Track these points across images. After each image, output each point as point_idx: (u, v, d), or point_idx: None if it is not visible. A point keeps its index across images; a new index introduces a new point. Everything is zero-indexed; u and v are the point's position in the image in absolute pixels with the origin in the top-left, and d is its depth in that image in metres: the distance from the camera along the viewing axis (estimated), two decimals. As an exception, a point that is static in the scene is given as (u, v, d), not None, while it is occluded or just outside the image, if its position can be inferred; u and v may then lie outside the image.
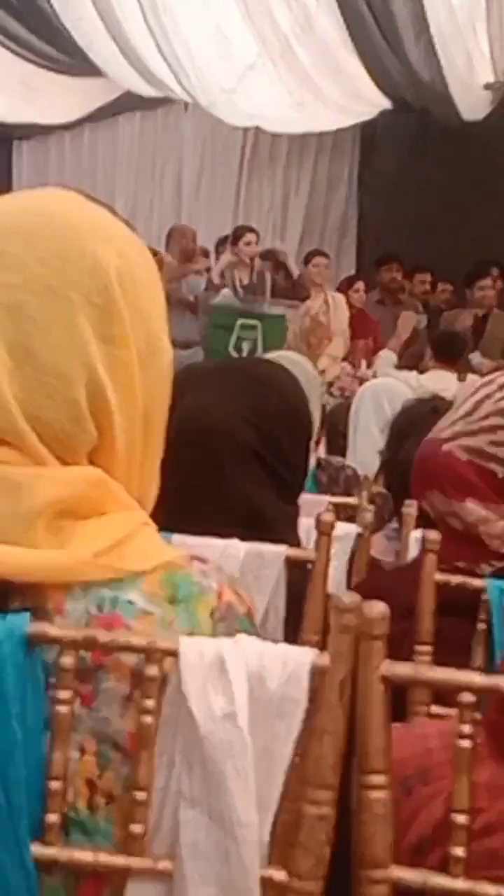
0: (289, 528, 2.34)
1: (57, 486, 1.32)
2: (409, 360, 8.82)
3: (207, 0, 11.09)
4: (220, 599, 1.36)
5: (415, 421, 3.25)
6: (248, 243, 10.06)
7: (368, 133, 13.02)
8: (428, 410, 3.25)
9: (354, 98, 11.63)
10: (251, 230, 10.45)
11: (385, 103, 11.67)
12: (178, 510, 1.80)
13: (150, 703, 1.27)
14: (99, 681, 1.31)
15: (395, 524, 3.13)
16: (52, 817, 1.28)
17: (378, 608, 1.30)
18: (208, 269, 10.58)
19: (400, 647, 1.81)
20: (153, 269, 1.45)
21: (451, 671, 1.32)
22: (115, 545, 1.33)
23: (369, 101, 11.65)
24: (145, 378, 1.39)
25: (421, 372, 7.97)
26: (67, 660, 1.27)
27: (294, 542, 2.29)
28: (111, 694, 1.30)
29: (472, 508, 2.02)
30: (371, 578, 2.81)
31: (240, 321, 9.31)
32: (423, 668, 1.34)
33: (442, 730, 1.38)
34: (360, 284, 10.89)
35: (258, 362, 2.92)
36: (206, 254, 10.94)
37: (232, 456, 2.26)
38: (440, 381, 7.29)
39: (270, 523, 2.25)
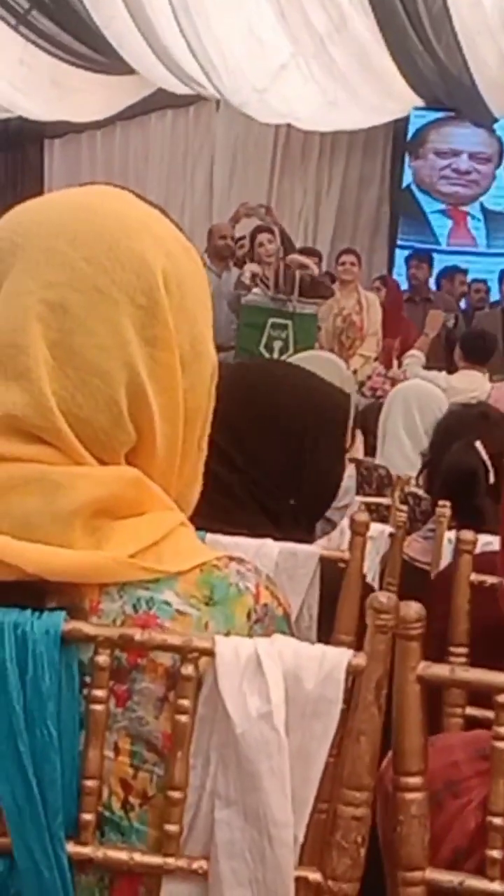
0: None
1: (95, 486, 1.31)
2: (437, 360, 8.79)
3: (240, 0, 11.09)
4: (257, 601, 1.35)
5: (462, 424, 3.24)
6: (261, 244, 9.91)
7: (401, 131, 12.99)
8: (476, 415, 3.26)
9: (387, 96, 11.62)
10: (264, 230, 10.32)
11: (417, 101, 11.67)
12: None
13: (185, 702, 1.27)
14: (134, 681, 1.30)
15: (432, 525, 3.13)
16: (87, 816, 1.28)
17: (414, 608, 1.29)
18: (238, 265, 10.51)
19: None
20: (201, 272, 1.44)
21: (488, 673, 1.31)
22: (152, 546, 1.33)
23: (401, 99, 11.65)
24: (187, 381, 1.38)
25: (450, 372, 7.95)
26: (102, 658, 1.27)
27: None
28: (146, 694, 1.30)
29: None
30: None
31: (270, 320, 9.28)
32: (459, 670, 1.33)
33: (466, 741, 1.38)
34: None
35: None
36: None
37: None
38: (470, 382, 7.28)
39: None
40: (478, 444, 3.03)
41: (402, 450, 5.17)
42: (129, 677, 1.31)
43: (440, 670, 1.30)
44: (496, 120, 11.89)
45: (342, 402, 2.56)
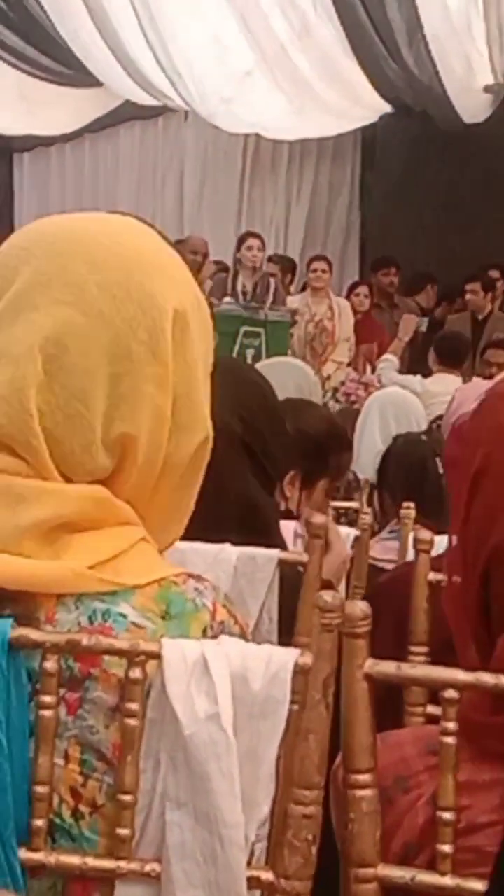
0: (276, 520, 2.38)
1: (59, 504, 1.32)
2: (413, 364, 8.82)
3: (204, 9, 11.09)
4: (214, 618, 1.36)
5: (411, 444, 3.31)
6: (250, 248, 9.93)
7: (370, 138, 13.00)
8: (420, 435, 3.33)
9: (354, 103, 11.62)
10: (254, 235, 10.36)
11: (385, 107, 11.67)
12: None
13: (134, 706, 1.28)
14: (86, 690, 1.31)
15: (391, 527, 3.15)
16: (39, 822, 1.28)
17: (360, 607, 1.30)
18: (212, 276, 10.51)
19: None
20: (207, 327, 1.44)
21: (435, 668, 1.32)
22: (111, 559, 1.33)
23: (370, 106, 11.66)
24: (176, 430, 1.38)
25: (425, 376, 7.96)
26: (51, 664, 1.28)
27: (278, 534, 2.32)
28: (98, 704, 1.31)
29: None
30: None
31: (243, 328, 9.28)
32: (405, 667, 1.34)
33: (417, 736, 1.38)
34: (362, 289, 10.86)
35: (232, 361, 2.94)
36: (224, 269, 10.70)
37: (224, 445, 2.27)
38: (445, 385, 7.29)
39: (265, 520, 2.28)
40: (424, 437, 3.08)
41: (378, 456, 5.20)
42: (82, 686, 1.31)
43: (387, 668, 1.31)
44: (466, 125, 11.90)
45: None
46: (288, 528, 2.45)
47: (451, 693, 1.28)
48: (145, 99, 12.91)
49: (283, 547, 2.24)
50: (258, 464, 2.34)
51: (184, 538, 1.53)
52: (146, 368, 1.35)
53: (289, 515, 2.57)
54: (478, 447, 1.32)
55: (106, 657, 1.30)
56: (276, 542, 2.25)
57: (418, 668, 1.34)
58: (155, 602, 1.34)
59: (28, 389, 1.32)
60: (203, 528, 2.05)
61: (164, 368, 1.36)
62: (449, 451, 2.45)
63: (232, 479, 2.29)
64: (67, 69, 13.19)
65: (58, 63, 13.22)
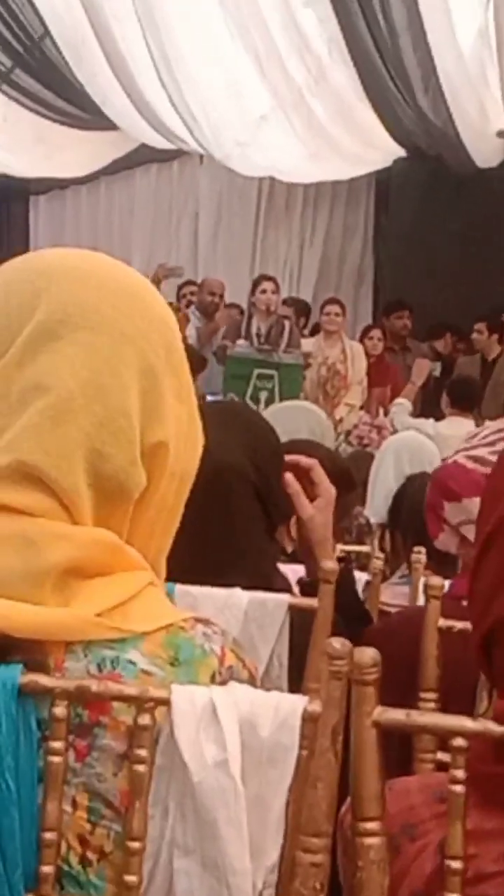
0: (274, 566, 2.42)
1: (70, 548, 1.33)
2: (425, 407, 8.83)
3: (220, 53, 11.17)
4: (222, 663, 1.36)
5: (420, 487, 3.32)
6: (264, 291, 9.93)
7: (384, 181, 13.05)
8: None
9: (369, 147, 11.68)
10: (268, 279, 10.38)
11: (399, 152, 11.72)
12: (195, 567, 1.81)
13: (142, 752, 1.28)
14: (95, 737, 1.31)
15: (402, 571, 3.14)
16: (47, 868, 1.28)
17: (369, 654, 1.30)
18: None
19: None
20: None
21: (443, 716, 1.31)
22: (119, 605, 1.34)
23: (384, 150, 11.71)
24: (190, 437, 1.44)
25: (438, 419, 7.98)
26: (60, 710, 1.28)
27: (277, 579, 2.33)
28: (106, 751, 1.31)
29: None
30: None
31: (256, 371, 9.30)
32: (414, 714, 1.33)
33: (424, 784, 1.38)
34: (375, 332, 10.87)
35: (241, 405, 2.99)
36: (240, 311, 10.69)
37: (239, 489, 2.29)
38: (457, 428, 7.29)
39: (266, 565, 2.31)
40: None
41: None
42: (91, 733, 1.31)
43: (396, 715, 1.30)
44: (479, 170, 11.94)
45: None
46: (297, 572, 2.45)
47: (459, 741, 1.27)
48: (161, 142, 13.00)
49: (281, 591, 2.24)
50: (265, 508, 2.36)
51: (191, 580, 1.54)
52: (167, 380, 1.40)
53: (294, 558, 2.57)
54: (496, 505, 1.32)
55: (115, 705, 1.31)
56: (276, 587, 2.26)
57: (426, 716, 1.34)
58: (163, 648, 1.34)
59: (67, 414, 1.34)
60: (213, 569, 2.06)
61: (178, 380, 1.42)
62: (430, 497, 2.49)
63: (243, 522, 2.30)
64: (84, 113, 13.29)
65: (74, 107, 13.33)
